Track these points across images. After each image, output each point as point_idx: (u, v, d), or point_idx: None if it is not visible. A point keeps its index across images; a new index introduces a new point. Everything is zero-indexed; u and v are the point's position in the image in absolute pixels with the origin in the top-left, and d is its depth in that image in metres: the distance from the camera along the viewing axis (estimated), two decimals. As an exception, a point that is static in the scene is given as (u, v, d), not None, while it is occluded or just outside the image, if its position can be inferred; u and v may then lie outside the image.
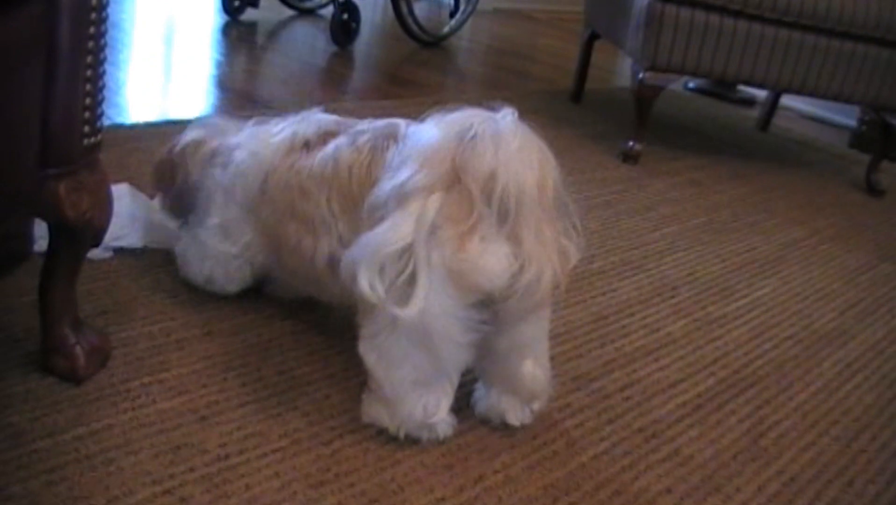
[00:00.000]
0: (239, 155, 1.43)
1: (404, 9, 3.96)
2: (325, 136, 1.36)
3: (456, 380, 1.23)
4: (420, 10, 4.07)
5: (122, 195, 1.64)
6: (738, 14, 2.65)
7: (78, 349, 1.22)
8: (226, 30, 3.73)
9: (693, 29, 2.64)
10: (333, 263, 1.26)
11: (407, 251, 1.09)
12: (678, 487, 1.26)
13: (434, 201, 1.09)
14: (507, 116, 1.14)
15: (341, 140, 1.32)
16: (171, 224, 1.61)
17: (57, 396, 1.19)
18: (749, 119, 3.88)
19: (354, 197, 1.25)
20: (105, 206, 1.18)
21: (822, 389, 1.61)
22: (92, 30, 1.08)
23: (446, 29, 4.36)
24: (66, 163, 1.10)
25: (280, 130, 1.42)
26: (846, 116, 4.04)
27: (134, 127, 2.26)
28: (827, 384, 1.63)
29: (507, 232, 1.11)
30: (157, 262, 1.59)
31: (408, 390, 1.20)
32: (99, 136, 1.15)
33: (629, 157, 2.78)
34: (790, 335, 1.79)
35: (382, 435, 1.24)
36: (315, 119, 1.42)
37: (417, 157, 1.14)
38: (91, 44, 1.08)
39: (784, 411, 1.51)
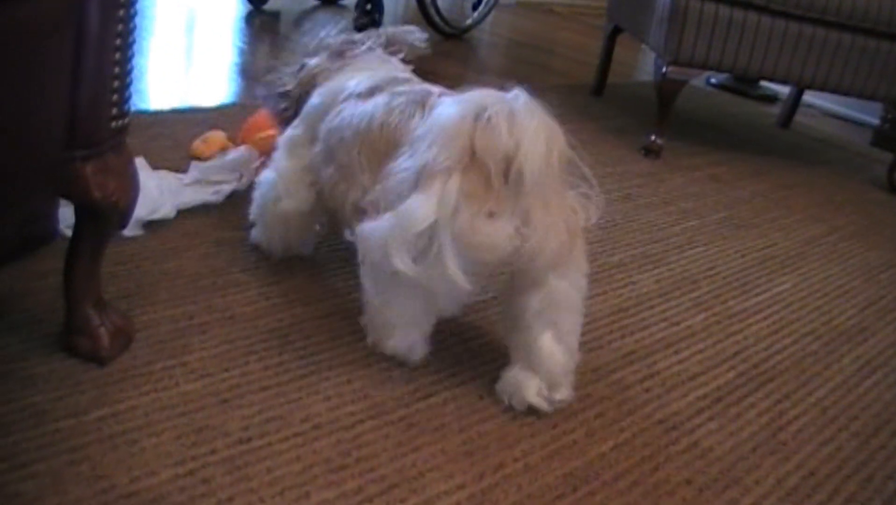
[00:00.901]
0: (316, 94, 1.57)
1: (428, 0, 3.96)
2: (374, 90, 1.43)
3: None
4: (443, 1, 4.07)
5: (141, 169, 1.66)
6: (762, 9, 2.64)
7: (102, 330, 1.22)
8: (249, 18, 3.74)
9: (717, 24, 2.64)
10: (357, 210, 1.34)
11: (430, 229, 1.16)
12: (697, 478, 1.26)
13: (454, 182, 1.15)
14: (519, 96, 1.18)
15: (381, 98, 1.39)
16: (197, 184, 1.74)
17: (80, 376, 1.20)
18: (770, 116, 3.86)
19: (380, 154, 1.32)
20: (131, 188, 1.19)
21: (842, 384, 1.61)
22: (121, 12, 1.08)
23: (469, 21, 4.36)
24: (94, 145, 1.11)
25: (354, 80, 1.51)
26: (869, 114, 4.03)
27: (157, 113, 2.27)
28: (846, 380, 1.63)
29: (519, 207, 1.18)
30: (180, 246, 1.60)
31: (397, 326, 1.33)
32: (126, 120, 1.15)
33: (650, 152, 2.78)
34: (810, 331, 1.79)
35: (403, 421, 1.24)
36: (382, 72, 1.53)
37: (438, 135, 1.18)
38: (120, 26, 1.09)
39: (803, 406, 1.51)
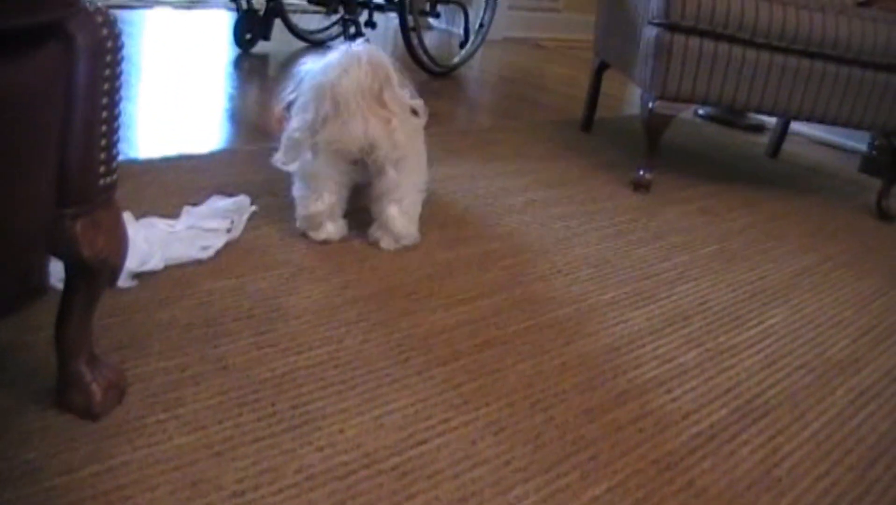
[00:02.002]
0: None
1: (414, 40, 3.99)
2: None
3: (336, 198, 1.97)
4: (430, 39, 4.10)
5: (128, 223, 1.67)
6: (746, 43, 2.66)
7: (94, 386, 1.23)
8: (238, 63, 3.76)
9: (702, 58, 2.66)
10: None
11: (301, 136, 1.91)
12: (692, 518, 1.26)
13: (312, 112, 1.87)
14: (356, 46, 1.88)
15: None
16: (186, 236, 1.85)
17: (73, 432, 1.20)
18: (759, 145, 3.88)
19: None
20: (121, 244, 1.19)
21: (836, 417, 1.61)
22: (108, 71, 1.09)
23: (457, 59, 4.39)
24: (83, 202, 1.11)
25: None
26: (857, 141, 4.05)
27: (148, 161, 2.28)
28: (840, 413, 1.63)
29: (359, 117, 1.84)
30: (172, 296, 1.60)
31: (303, 199, 1.96)
32: (115, 176, 1.16)
33: (640, 186, 2.79)
34: (803, 364, 1.79)
35: (397, 470, 1.24)
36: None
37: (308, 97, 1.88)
38: (107, 85, 1.10)
39: (798, 441, 1.51)
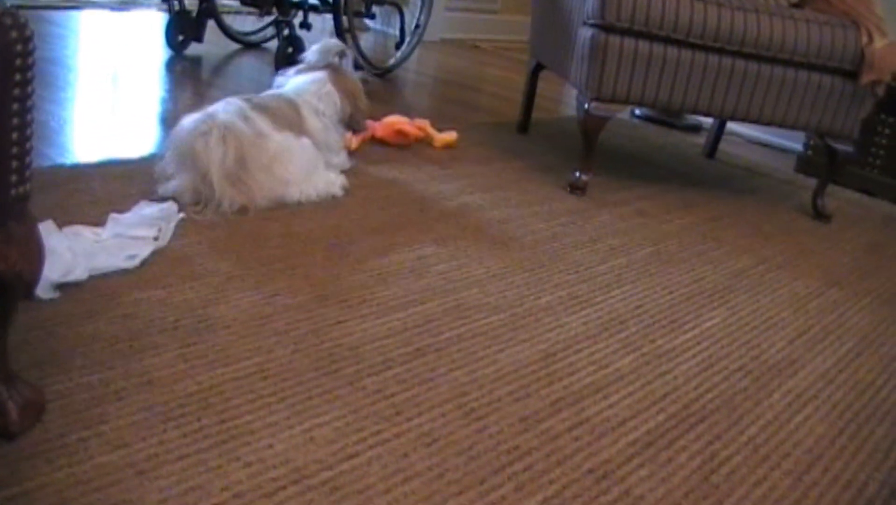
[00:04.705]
0: None
1: (349, 42, 3.95)
2: None
3: None
4: (366, 41, 4.07)
5: (50, 232, 1.63)
6: (681, 44, 2.66)
7: (10, 404, 1.18)
8: (170, 65, 3.70)
9: (637, 59, 2.65)
10: None
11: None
12: (629, 529, 1.24)
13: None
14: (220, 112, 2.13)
15: None
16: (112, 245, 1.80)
17: (-11, 453, 1.16)
18: (696, 146, 3.89)
19: None
20: (35, 257, 1.15)
21: (773, 421, 1.61)
22: (18, 76, 1.05)
23: (392, 61, 4.36)
24: (-7, 215, 1.07)
25: None
26: (792, 140, 4.08)
27: (76, 167, 2.23)
28: (777, 416, 1.62)
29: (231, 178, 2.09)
30: (96, 308, 1.56)
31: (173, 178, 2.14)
32: (28, 186, 1.11)
33: (576, 189, 2.77)
34: (740, 367, 1.79)
35: (326, 485, 1.21)
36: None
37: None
38: (18, 90, 1.05)
39: (735, 446, 1.50)
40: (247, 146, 2.09)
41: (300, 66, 2.62)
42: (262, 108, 2.24)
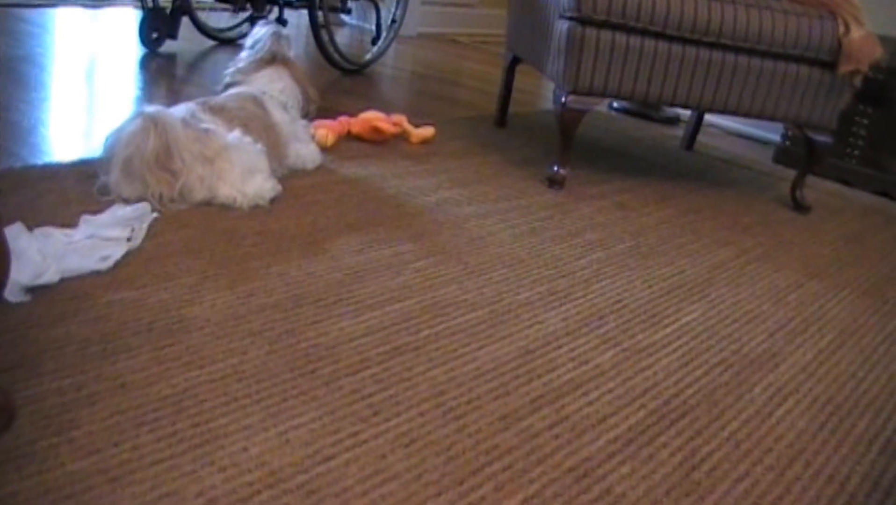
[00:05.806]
0: None
1: (325, 37, 3.93)
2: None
3: None
4: (342, 36, 4.05)
5: (20, 234, 1.61)
6: (658, 36, 2.64)
7: (-22, 411, 1.16)
8: (145, 62, 3.67)
9: (614, 51, 2.64)
10: None
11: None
12: (610, 528, 1.23)
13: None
14: (148, 110, 2.06)
15: None
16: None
17: (-44, 461, 1.13)
18: (674, 138, 3.89)
19: None
20: (2, 260, 1.12)
21: (755, 415, 1.59)
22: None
23: (369, 56, 4.34)
24: (-43, 217, 1.05)
25: None
26: (770, 132, 4.08)
27: (47, 167, 2.20)
28: (759, 411, 1.61)
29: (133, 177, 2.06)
30: (68, 311, 1.53)
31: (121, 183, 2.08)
32: (-8, 188, 1.09)
33: (555, 183, 2.76)
34: (720, 361, 1.77)
35: (303, 488, 1.19)
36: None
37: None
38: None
39: (716, 442, 1.48)
40: (180, 137, 2.07)
41: (250, 58, 2.62)
42: (217, 109, 2.25)
